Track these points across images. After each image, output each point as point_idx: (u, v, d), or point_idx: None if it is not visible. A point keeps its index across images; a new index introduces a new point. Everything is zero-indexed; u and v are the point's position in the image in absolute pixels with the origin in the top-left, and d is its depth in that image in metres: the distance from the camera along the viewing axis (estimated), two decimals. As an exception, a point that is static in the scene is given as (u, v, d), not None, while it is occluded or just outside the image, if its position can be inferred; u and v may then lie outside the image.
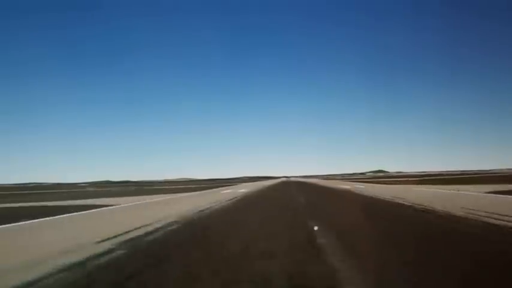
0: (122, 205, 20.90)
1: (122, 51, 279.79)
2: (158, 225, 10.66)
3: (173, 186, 77.54)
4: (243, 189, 44.19)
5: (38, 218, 13.69)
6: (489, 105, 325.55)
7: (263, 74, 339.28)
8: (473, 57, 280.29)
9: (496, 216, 10.65)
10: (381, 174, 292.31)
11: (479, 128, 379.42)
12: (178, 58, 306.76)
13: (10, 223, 12.24)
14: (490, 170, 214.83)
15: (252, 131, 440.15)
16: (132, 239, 8.45)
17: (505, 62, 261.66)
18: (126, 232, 9.38)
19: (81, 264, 6.08)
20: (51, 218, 13.97)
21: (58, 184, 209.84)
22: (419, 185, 43.68)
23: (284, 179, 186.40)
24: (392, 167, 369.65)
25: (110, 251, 7.06)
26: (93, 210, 17.54)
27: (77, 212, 16.53)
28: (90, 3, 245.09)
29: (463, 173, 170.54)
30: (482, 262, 5.64)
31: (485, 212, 11.66)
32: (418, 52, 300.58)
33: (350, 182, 64.93)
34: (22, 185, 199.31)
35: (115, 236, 8.74)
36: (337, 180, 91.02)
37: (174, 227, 10.53)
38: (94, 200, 29.57)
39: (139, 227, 10.25)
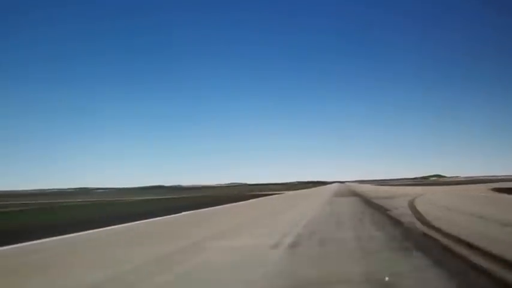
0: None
1: (172, 52, 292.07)
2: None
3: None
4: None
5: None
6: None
7: (317, 76, 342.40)
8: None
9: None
10: (445, 179, 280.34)
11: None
12: (226, 60, 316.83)
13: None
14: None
15: (305, 134, 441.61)
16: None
17: None
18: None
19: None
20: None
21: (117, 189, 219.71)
22: None
23: (338, 184, 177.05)
24: (448, 172, 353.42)
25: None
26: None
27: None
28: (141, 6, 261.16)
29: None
30: None
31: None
32: (474, 57, 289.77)
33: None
34: (79, 189, 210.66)
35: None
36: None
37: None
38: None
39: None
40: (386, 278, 5.46)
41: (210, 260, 7.29)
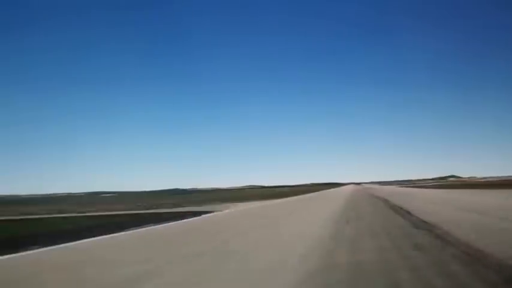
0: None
1: (186, 55, 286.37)
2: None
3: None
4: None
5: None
6: None
7: (330, 77, 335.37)
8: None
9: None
10: (465, 180, 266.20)
11: None
12: (239, 64, 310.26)
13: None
14: None
15: (319, 135, 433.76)
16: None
17: None
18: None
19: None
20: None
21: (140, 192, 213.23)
22: None
23: (353, 186, 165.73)
24: (463, 172, 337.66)
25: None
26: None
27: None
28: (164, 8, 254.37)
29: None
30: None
31: None
32: (488, 57, 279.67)
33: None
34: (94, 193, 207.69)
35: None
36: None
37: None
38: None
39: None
40: None
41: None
